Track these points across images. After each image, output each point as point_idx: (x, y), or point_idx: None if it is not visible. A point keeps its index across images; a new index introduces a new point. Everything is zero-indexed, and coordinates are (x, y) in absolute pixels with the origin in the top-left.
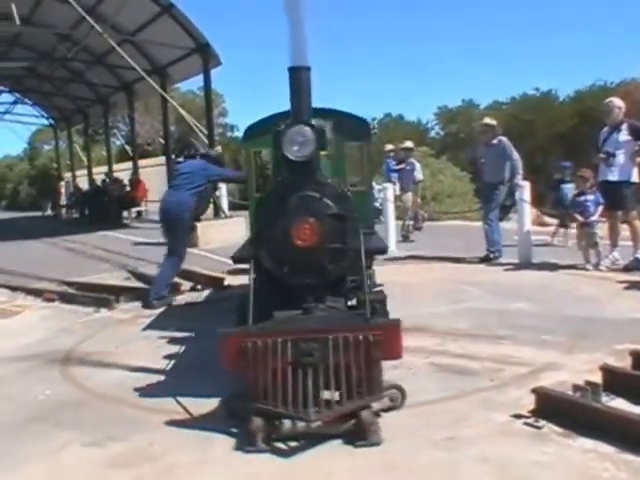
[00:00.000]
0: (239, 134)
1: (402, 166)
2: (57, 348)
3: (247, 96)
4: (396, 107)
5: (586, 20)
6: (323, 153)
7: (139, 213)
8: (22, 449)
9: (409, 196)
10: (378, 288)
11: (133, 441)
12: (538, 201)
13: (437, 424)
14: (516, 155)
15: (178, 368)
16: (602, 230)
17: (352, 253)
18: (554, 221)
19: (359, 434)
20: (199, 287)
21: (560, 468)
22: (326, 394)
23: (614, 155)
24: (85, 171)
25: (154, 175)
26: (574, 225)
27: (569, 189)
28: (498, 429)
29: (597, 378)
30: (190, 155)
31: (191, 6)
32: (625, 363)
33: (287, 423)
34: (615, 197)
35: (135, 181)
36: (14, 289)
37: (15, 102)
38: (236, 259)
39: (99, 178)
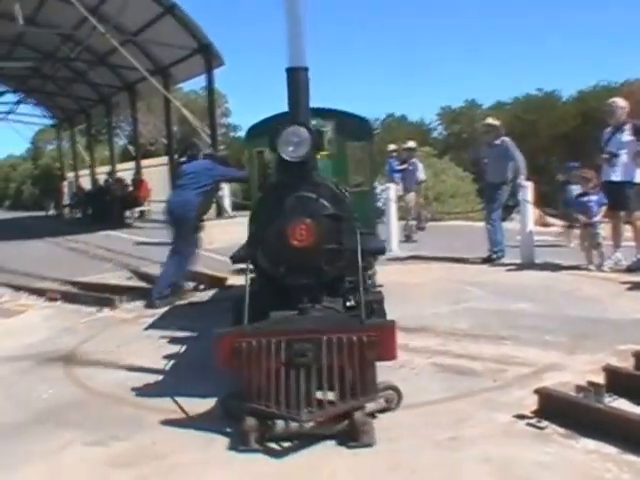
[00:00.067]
0: (242, 134)
1: (405, 166)
2: (60, 348)
3: (250, 96)
4: (399, 107)
5: (588, 20)
6: (324, 153)
7: (142, 213)
8: (24, 448)
9: (412, 196)
10: (377, 289)
11: (135, 441)
12: (541, 201)
13: (440, 424)
14: (519, 155)
15: (180, 368)
16: (605, 231)
17: (348, 253)
18: (557, 221)
19: (352, 435)
20: (201, 287)
21: (562, 469)
22: (320, 394)
23: (617, 155)
24: (88, 171)
25: (157, 175)
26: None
27: (578, 190)
28: (501, 429)
29: (600, 379)
30: (192, 155)
31: (194, 6)
32: (628, 364)
33: (280, 423)
34: (618, 197)
35: (138, 181)
36: (17, 288)
37: (18, 102)
38: (235, 259)
39: (102, 178)
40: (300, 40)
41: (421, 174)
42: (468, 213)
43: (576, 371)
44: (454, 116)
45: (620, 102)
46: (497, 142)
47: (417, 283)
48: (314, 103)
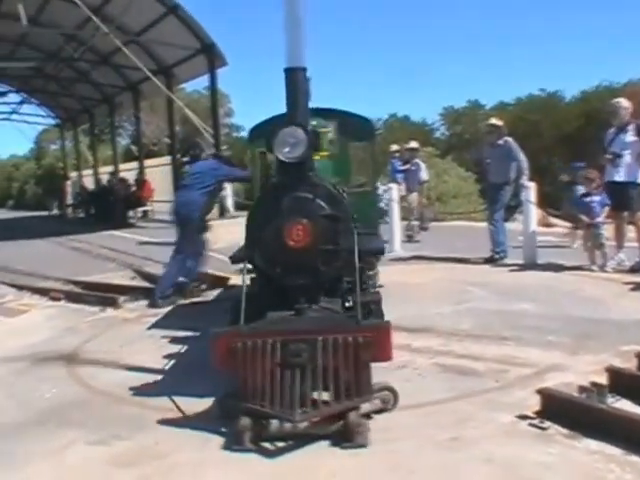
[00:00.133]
0: (245, 134)
1: (407, 167)
2: (62, 347)
3: (253, 97)
4: (401, 107)
5: (591, 21)
6: (324, 153)
7: (145, 213)
8: (27, 448)
9: (414, 196)
10: (376, 289)
11: (137, 440)
12: (544, 202)
13: (442, 424)
14: (522, 156)
15: (182, 368)
16: (608, 231)
17: (346, 254)
18: (559, 222)
19: (346, 435)
20: (204, 287)
21: (565, 469)
22: (316, 395)
23: (620, 156)
24: (91, 171)
25: (160, 175)
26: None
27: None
28: (503, 430)
29: (602, 379)
30: (195, 155)
31: (197, 7)
32: (631, 364)
33: (275, 423)
34: (621, 198)
35: (141, 181)
36: (20, 288)
37: (22, 102)
38: (234, 260)
39: (105, 178)
40: (299, 40)
41: (424, 174)
42: (470, 213)
43: (579, 372)
44: (457, 116)
45: (623, 102)
46: (500, 142)
47: (419, 283)
48: (317, 103)
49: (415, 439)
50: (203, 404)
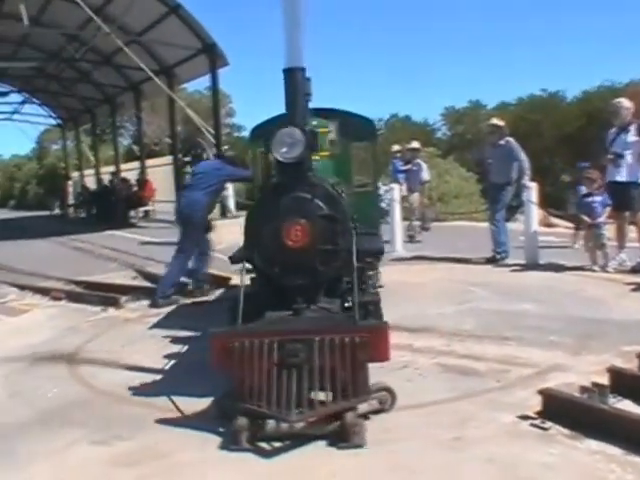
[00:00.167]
0: (246, 134)
1: (409, 167)
2: (64, 347)
3: (254, 97)
4: (403, 108)
5: (593, 21)
6: (325, 153)
7: (146, 213)
8: (29, 447)
9: (416, 197)
10: (375, 290)
11: (138, 440)
12: (545, 202)
13: (443, 424)
14: (524, 156)
15: (183, 367)
16: (609, 231)
17: (345, 254)
18: (561, 222)
19: (342, 436)
20: (207, 287)
21: (566, 469)
22: (313, 395)
23: (622, 156)
24: (93, 171)
25: (161, 175)
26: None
27: None
28: (504, 430)
29: (604, 380)
30: (196, 155)
31: (199, 6)
32: (632, 365)
33: (271, 423)
34: (623, 198)
35: (142, 181)
36: (22, 288)
37: (23, 102)
38: (233, 260)
39: (106, 178)
40: (297, 41)
41: (425, 174)
42: (472, 214)
43: (580, 372)
44: (458, 116)
45: (625, 102)
46: (501, 142)
47: (421, 283)
48: (318, 104)
49: (417, 439)
50: (204, 404)
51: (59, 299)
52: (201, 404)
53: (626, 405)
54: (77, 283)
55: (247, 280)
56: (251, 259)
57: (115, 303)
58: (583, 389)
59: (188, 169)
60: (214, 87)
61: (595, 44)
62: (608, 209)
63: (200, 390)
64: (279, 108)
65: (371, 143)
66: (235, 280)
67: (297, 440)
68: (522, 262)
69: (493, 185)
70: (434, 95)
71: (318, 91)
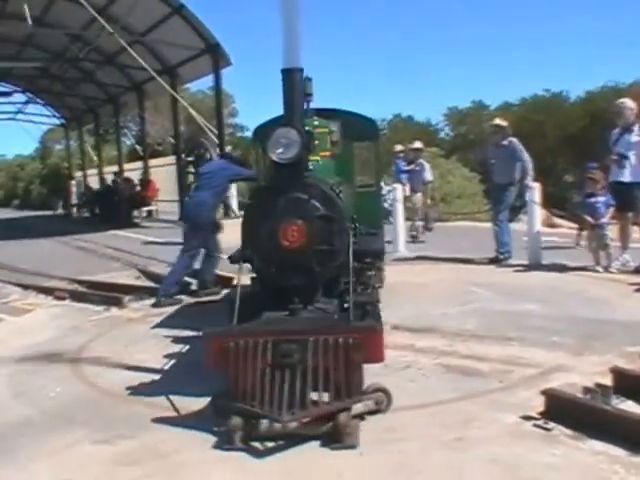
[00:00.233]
0: (249, 134)
1: (412, 167)
2: (67, 346)
3: (257, 97)
4: (405, 108)
5: (596, 21)
6: (327, 153)
7: (149, 212)
8: (32, 446)
9: (419, 197)
10: (374, 290)
11: (141, 439)
12: (548, 202)
13: (446, 425)
14: (527, 156)
15: (185, 367)
16: (613, 232)
17: (342, 255)
18: (564, 222)
19: (335, 436)
20: (210, 287)
21: (569, 470)
22: (309, 395)
23: (626, 157)
24: (96, 170)
25: (164, 175)
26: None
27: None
28: (507, 430)
29: (607, 380)
30: (199, 155)
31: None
32: (635, 365)
33: (264, 423)
34: (626, 198)
35: (145, 181)
36: (25, 287)
37: (27, 102)
38: (233, 260)
39: (110, 177)
40: (295, 41)
41: (428, 175)
42: (475, 214)
43: (583, 372)
44: (461, 117)
45: (628, 103)
46: (504, 143)
47: (424, 283)
48: (321, 104)
49: (420, 439)
50: (205, 404)
51: (62, 299)
52: (203, 404)
53: (629, 406)
54: (80, 283)
55: (248, 280)
56: (249, 259)
57: (118, 303)
58: (586, 390)
59: (191, 169)
60: (217, 87)
61: (598, 44)
62: (611, 209)
63: (201, 390)
64: (281, 108)
65: (374, 143)
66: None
67: (291, 440)
68: (525, 262)
69: (496, 185)
70: (437, 95)
71: (321, 91)
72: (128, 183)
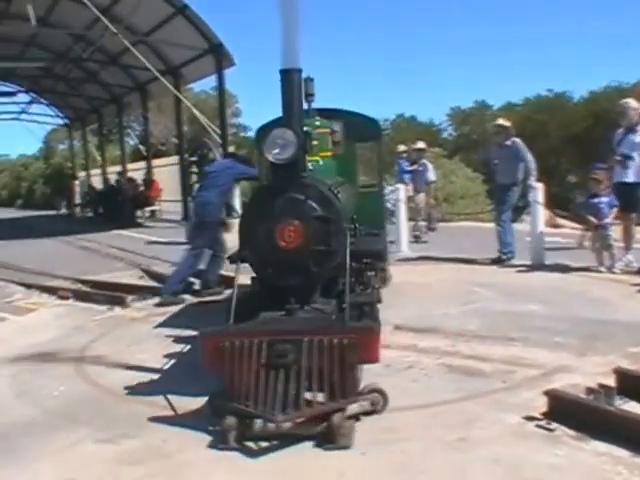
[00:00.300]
0: (252, 134)
1: (415, 167)
2: (71, 346)
3: (260, 97)
4: (408, 108)
5: (600, 21)
6: (328, 154)
7: (153, 212)
8: (35, 445)
9: (422, 197)
10: (373, 290)
11: (145, 438)
12: (551, 203)
13: (449, 425)
14: (530, 156)
15: (188, 367)
16: (616, 232)
17: (340, 255)
18: (566, 223)
19: (329, 437)
20: (214, 287)
21: (572, 471)
22: (305, 395)
23: (630, 157)
24: (99, 170)
25: (167, 175)
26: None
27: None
28: (510, 431)
29: (610, 381)
30: (202, 155)
31: (206, 7)
32: (639, 366)
33: (259, 423)
34: (630, 199)
35: (149, 180)
36: (29, 287)
37: (31, 102)
38: (232, 259)
39: (113, 177)
40: (294, 42)
41: (431, 175)
42: (478, 214)
43: (586, 373)
44: (464, 117)
45: (632, 103)
46: (507, 143)
47: (426, 283)
48: (324, 104)
49: (422, 439)
50: (204, 403)
51: (66, 298)
52: (204, 403)
53: (632, 407)
54: (84, 282)
55: (248, 280)
56: (246, 260)
57: (121, 302)
58: (589, 390)
59: (194, 169)
60: (220, 87)
61: (602, 44)
62: (615, 210)
63: (202, 389)
64: None
65: (376, 143)
66: (241, 280)
67: (286, 440)
68: (528, 263)
69: (499, 186)
70: (440, 95)
71: (323, 91)
72: (131, 183)
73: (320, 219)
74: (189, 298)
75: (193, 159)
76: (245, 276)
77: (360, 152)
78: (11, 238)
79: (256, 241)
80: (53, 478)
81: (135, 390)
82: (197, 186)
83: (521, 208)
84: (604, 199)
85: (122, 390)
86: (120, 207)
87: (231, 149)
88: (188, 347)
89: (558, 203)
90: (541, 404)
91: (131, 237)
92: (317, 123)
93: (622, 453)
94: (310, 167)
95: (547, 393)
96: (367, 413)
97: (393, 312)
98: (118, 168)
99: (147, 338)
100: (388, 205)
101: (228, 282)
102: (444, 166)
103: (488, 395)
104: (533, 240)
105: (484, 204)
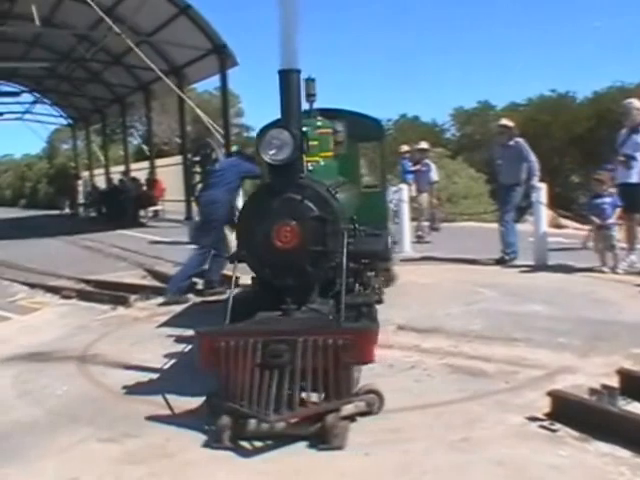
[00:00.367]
0: (255, 134)
1: (418, 167)
2: (74, 345)
3: (263, 97)
4: (411, 108)
5: (603, 21)
6: (330, 154)
7: (156, 212)
8: (38, 444)
9: (425, 197)
10: (375, 291)
11: (148, 438)
12: (554, 203)
13: (452, 425)
14: (533, 157)
15: (190, 366)
16: (619, 233)
17: (338, 256)
18: (570, 223)
19: (322, 437)
20: (217, 287)
21: (575, 472)
22: (301, 395)
23: (633, 157)
24: (102, 170)
25: (171, 174)
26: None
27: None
28: (513, 431)
29: (613, 382)
30: (205, 155)
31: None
32: None
33: (253, 423)
34: (633, 199)
35: (152, 180)
36: (33, 286)
37: (35, 102)
38: (230, 259)
39: (116, 177)
40: (293, 42)
41: (434, 175)
42: (481, 214)
43: (589, 374)
44: (467, 117)
45: (636, 103)
46: (511, 143)
47: (429, 284)
48: (327, 104)
49: (425, 440)
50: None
51: (69, 298)
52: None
53: (636, 407)
54: (87, 282)
55: (248, 280)
56: (244, 259)
57: (125, 302)
58: (592, 391)
59: (197, 169)
60: (223, 87)
61: (605, 44)
62: (618, 211)
63: (204, 389)
64: None
65: (379, 143)
66: (243, 279)
67: (279, 440)
68: (531, 263)
69: (502, 186)
70: (443, 96)
71: (326, 92)
72: (135, 183)
73: (317, 219)
74: (192, 298)
75: (196, 159)
76: (247, 276)
77: (363, 152)
78: (15, 238)
79: (253, 241)
80: (56, 477)
81: (137, 390)
82: (200, 186)
83: (524, 208)
84: (607, 199)
85: (124, 390)
86: (123, 207)
87: (234, 148)
88: (190, 347)
89: (561, 203)
90: (544, 405)
91: (134, 237)
92: (319, 123)
93: (625, 454)
94: (310, 167)
95: (550, 394)
96: (364, 414)
97: (396, 312)
98: (121, 168)
99: (150, 338)
100: (391, 205)
101: (231, 282)
102: (447, 166)
103: (491, 395)
104: (536, 240)
105: (487, 204)
